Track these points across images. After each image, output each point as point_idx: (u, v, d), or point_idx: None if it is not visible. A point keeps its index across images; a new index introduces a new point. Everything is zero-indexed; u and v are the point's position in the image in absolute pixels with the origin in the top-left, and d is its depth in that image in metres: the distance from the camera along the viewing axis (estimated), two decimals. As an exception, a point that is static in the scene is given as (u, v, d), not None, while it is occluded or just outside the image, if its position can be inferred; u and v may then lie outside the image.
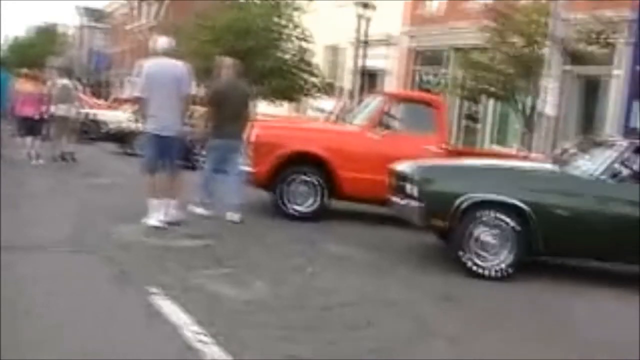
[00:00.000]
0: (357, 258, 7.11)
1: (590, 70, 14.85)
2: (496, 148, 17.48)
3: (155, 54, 7.83)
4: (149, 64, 7.76)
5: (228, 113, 8.34)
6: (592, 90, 15.32)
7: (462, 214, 6.79)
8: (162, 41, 7.92)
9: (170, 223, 7.43)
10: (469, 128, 19.90)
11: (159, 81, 7.46)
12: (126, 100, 24.46)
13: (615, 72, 14.20)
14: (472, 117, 19.90)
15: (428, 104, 9.85)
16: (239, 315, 4.64)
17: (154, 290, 4.99)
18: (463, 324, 5.16)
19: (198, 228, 7.55)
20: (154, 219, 7.31)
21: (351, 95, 21.05)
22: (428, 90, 18.61)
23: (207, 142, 8.79)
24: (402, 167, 7.64)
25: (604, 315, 5.95)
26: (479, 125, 19.49)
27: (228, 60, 9.03)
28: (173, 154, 7.71)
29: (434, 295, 5.95)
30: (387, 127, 9.41)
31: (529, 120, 14.16)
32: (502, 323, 5.36)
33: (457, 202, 6.77)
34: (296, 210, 8.95)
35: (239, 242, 7.20)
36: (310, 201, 9.02)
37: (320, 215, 8.99)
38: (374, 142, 9.29)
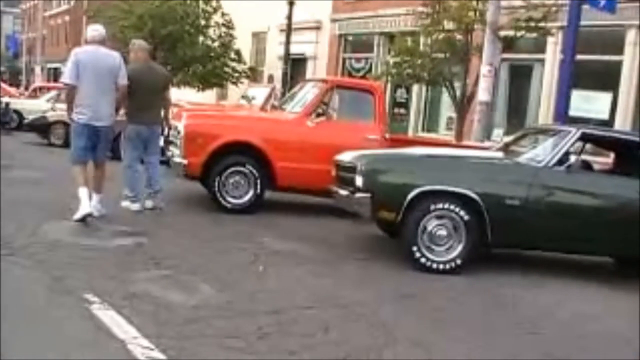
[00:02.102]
0: (302, 254, 6.73)
1: (521, 56, 14.88)
2: (425, 135, 17.39)
3: (89, 42, 7.43)
4: (81, 51, 7.40)
5: (144, 99, 7.86)
6: (522, 77, 15.38)
7: (413, 205, 6.50)
8: (94, 29, 7.53)
9: (99, 217, 7.06)
10: (397, 115, 19.75)
11: (92, 70, 7.13)
12: (49, 88, 23.28)
13: (546, 58, 14.27)
14: (401, 104, 19.77)
15: (367, 90, 9.51)
16: (189, 325, 4.17)
17: (93, 299, 4.47)
18: (426, 325, 4.85)
19: (129, 224, 7.04)
20: (84, 212, 6.83)
21: (283, 82, 20.56)
22: (361, 78, 18.37)
23: (124, 131, 8.26)
24: (347, 157, 7.30)
25: (563, 306, 5.76)
26: (407, 112, 19.37)
27: (141, 43, 8.54)
28: (104, 146, 7.43)
29: (389, 294, 5.63)
30: (325, 114, 9.04)
31: (461, 107, 14.05)
32: (465, 320, 5.08)
33: (408, 193, 6.48)
34: (232, 203, 8.51)
35: (174, 239, 6.70)
36: (247, 193, 8.58)
37: (256, 207, 8.57)
38: (312, 131, 8.93)
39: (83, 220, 6.82)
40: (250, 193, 8.55)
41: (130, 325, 4.03)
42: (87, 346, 3.77)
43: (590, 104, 13.13)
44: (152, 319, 4.19)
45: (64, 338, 3.90)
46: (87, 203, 6.91)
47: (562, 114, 10.38)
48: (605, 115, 13.25)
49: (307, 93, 9.60)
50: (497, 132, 14.64)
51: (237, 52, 23.67)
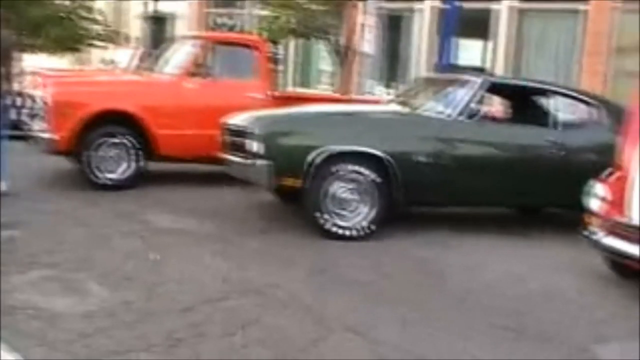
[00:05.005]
0: (197, 231, 6.03)
1: (397, 5, 14.50)
2: (305, 91, 16.81)
3: None
4: None
5: None
6: (398, 27, 15.04)
7: (316, 169, 5.93)
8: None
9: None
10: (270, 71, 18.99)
11: None
12: None
13: (424, 7, 13.98)
14: (274, 60, 19.01)
15: (248, 46, 8.78)
16: (84, 340, 3.40)
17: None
18: (355, 305, 4.32)
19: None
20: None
21: (146, 43, 19.29)
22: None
23: None
24: (238, 120, 6.61)
25: (488, 267, 5.40)
26: (282, 68, 18.67)
27: None
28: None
29: (304, 270, 5.05)
30: (205, 75, 8.26)
31: (342, 60, 13.54)
32: (395, 295, 4.59)
33: (310, 156, 5.89)
34: (109, 179, 7.59)
35: (49, 228, 5.75)
36: (124, 166, 7.68)
37: (137, 181, 7.71)
38: (191, 93, 8.16)
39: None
40: (130, 166, 7.68)
41: (12, 353, 3.21)
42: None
43: (469, 52, 12.97)
44: (39, 337, 3.38)
45: None
46: None
47: (446, 63, 10.11)
48: (483, 64, 13.13)
49: (182, 52, 8.72)
50: (375, 85, 14.25)
51: (89, 9, 21.89)
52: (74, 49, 22.18)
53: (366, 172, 6.01)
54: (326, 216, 5.98)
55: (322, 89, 15.90)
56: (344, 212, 6.04)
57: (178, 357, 3.32)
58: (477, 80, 6.61)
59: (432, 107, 6.68)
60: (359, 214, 6.06)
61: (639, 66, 10.17)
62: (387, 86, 14.34)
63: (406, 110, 6.85)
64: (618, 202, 4.90)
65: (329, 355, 3.50)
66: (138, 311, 3.88)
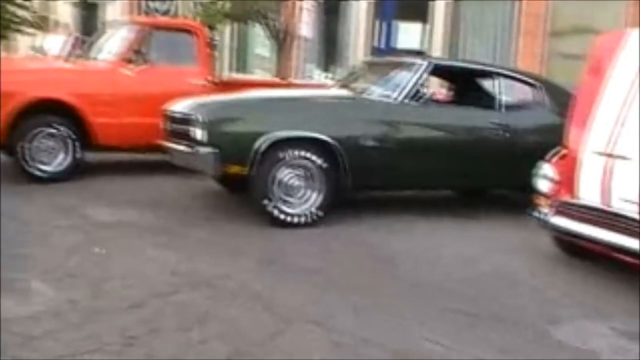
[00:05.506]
0: (140, 223, 5.84)
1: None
2: (243, 77, 16.59)
3: None
4: None
5: None
6: (336, 10, 14.93)
7: (263, 156, 5.81)
8: None
9: None
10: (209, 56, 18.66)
11: None
12: None
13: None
14: (210, 45, 18.68)
15: (187, 31, 8.57)
16: (31, 343, 3.21)
17: None
18: (311, 295, 4.23)
19: None
20: None
21: (76, 30, 18.69)
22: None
23: None
24: (180, 107, 6.43)
25: (441, 250, 5.39)
26: (218, 54, 18.36)
27: None
28: None
29: (253, 260, 4.92)
30: (142, 61, 8.01)
31: (281, 45, 13.38)
32: (350, 283, 4.49)
33: (257, 143, 5.77)
34: (44, 171, 7.30)
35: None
36: (60, 158, 7.41)
37: (74, 173, 7.44)
38: (129, 80, 7.94)
39: None
40: (66, 157, 7.41)
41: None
42: None
43: (408, 35, 12.96)
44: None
45: None
46: None
47: (385, 47, 10.08)
48: (422, 47, 13.15)
49: (118, 38, 8.44)
50: (314, 69, 14.15)
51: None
52: (0, 36, 21.37)
53: (313, 157, 5.92)
54: (274, 203, 5.87)
55: (260, 74, 15.71)
56: (291, 199, 5.96)
57: (133, 356, 3.17)
58: (422, 63, 6.57)
59: (377, 90, 6.62)
60: (307, 201, 5.99)
61: (573, 48, 10.39)
62: (326, 70, 14.25)
63: (352, 94, 6.77)
64: (566, 182, 4.95)
65: (290, 348, 3.40)
66: (85, 310, 3.70)
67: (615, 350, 3.60)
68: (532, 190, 5.29)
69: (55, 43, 13.80)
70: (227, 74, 17.27)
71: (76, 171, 7.47)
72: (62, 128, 7.38)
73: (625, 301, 4.38)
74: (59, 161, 7.41)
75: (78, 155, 7.50)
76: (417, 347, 3.50)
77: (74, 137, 7.44)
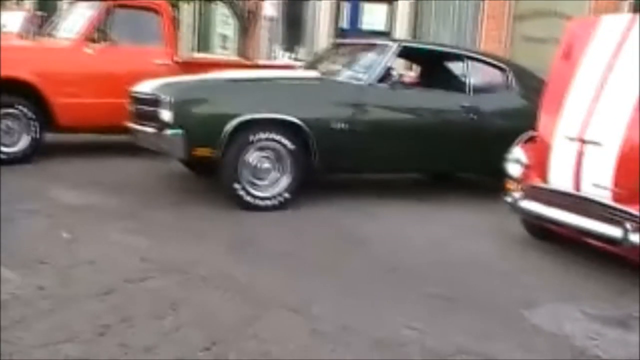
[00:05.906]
0: (106, 207, 5.71)
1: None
2: (202, 55, 16.35)
3: None
4: None
5: None
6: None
7: (232, 138, 5.72)
8: None
9: None
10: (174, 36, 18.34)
11: None
12: None
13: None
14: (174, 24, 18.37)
15: (152, 10, 8.36)
16: (2, 333, 3.11)
17: None
18: (287, 281, 4.17)
19: None
20: None
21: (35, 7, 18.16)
22: None
23: None
24: (146, 88, 6.30)
25: (414, 234, 5.38)
26: (179, 33, 18.07)
27: None
28: None
29: (224, 244, 4.84)
30: (106, 39, 7.84)
31: (245, 24, 13.20)
32: (326, 269, 4.45)
33: (227, 125, 5.67)
34: (4, 153, 7.12)
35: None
36: (21, 139, 7.22)
37: (34, 154, 7.26)
38: (92, 59, 7.79)
39: None
40: (26, 138, 7.22)
41: None
42: None
43: (373, 16, 12.90)
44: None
45: None
46: None
47: (350, 27, 10.00)
48: (387, 28, 13.10)
49: (80, 16, 8.22)
50: (278, 49, 14.01)
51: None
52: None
53: (283, 139, 5.86)
54: (243, 186, 5.80)
55: (224, 54, 15.51)
56: (260, 182, 5.89)
57: (107, 346, 3.08)
58: (392, 45, 6.53)
59: (346, 72, 6.56)
60: (277, 184, 5.93)
61: (537, 32, 10.46)
62: (290, 50, 14.13)
63: (321, 76, 6.70)
64: (537, 167, 4.97)
65: (267, 334, 3.35)
66: (55, 297, 3.59)
67: (588, 336, 3.62)
68: (500, 174, 5.32)
69: (14, 20, 13.39)
70: (188, 54, 17.04)
71: (37, 153, 7.30)
72: (22, 108, 7.19)
73: (595, 285, 4.42)
74: (19, 142, 7.22)
75: (38, 137, 7.32)
76: (395, 333, 3.47)
77: (34, 117, 7.26)
